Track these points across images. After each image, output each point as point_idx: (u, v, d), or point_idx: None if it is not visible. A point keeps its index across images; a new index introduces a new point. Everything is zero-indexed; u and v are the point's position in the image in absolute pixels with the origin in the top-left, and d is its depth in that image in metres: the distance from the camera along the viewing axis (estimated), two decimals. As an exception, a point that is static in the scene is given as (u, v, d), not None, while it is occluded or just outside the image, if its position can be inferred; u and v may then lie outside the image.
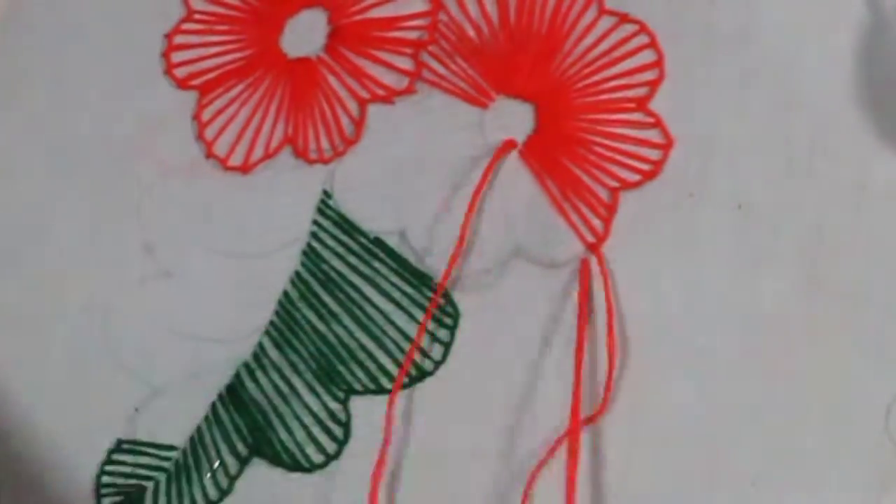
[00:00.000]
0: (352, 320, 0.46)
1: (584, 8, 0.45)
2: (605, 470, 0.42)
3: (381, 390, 0.45)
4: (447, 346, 0.45)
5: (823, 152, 0.43)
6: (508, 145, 0.44)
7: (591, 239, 0.44)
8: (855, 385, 0.42)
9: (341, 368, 0.46)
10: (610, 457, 0.42)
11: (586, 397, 0.43)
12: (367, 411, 0.46)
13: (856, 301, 0.42)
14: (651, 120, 0.44)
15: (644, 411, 0.43)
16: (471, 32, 0.46)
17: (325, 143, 0.47)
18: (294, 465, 0.45)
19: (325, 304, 0.46)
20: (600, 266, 0.43)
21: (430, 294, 0.45)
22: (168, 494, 0.46)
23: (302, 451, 0.45)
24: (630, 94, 0.44)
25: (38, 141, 0.50)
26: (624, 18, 0.44)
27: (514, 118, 0.45)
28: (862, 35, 0.43)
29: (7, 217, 0.50)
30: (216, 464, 0.46)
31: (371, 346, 0.46)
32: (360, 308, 0.46)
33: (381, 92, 0.47)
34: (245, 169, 0.48)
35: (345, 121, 0.47)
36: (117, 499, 0.46)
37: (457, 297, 0.45)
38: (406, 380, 0.45)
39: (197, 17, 0.51)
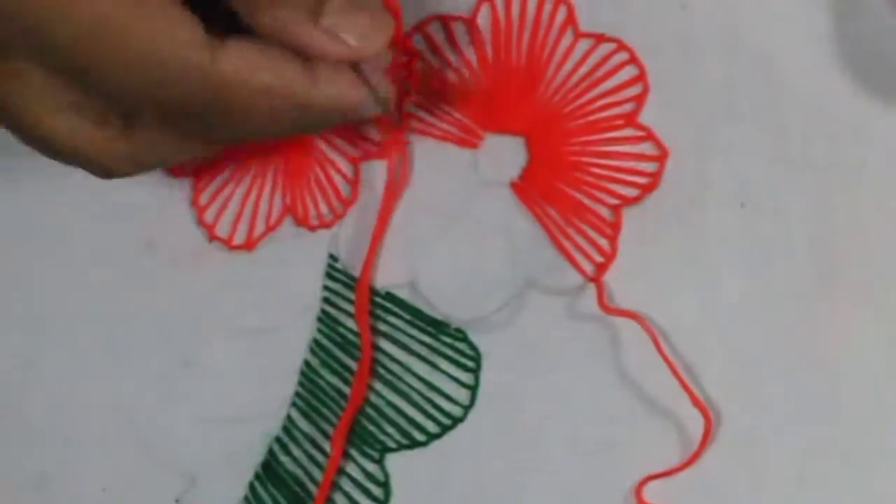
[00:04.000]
0: (376, 378, 0.46)
1: (559, 35, 0.45)
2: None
3: (414, 444, 0.45)
4: (473, 389, 0.45)
5: (818, 138, 0.43)
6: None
7: (599, 259, 0.44)
8: (892, 366, 0.41)
9: (372, 428, 0.46)
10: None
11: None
12: (403, 468, 0.46)
13: (876, 281, 0.42)
14: (642, 133, 0.44)
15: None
16: (451, 76, 0.47)
17: (324, 208, 0.47)
18: (340, 532, 0.45)
19: (346, 367, 0.46)
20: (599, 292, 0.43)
21: (448, 340, 0.45)
22: (218, 581, 0.46)
23: (344, 517, 0.45)
24: (617, 111, 0.44)
25: (43, 245, 0.50)
26: (600, 38, 0.44)
27: (505, 153, 0.45)
28: (840, 14, 0.42)
29: (22, 328, 0.50)
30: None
31: (398, 401, 0.46)
32: (382, 365, 0.46)
33: (372, 149, 0.47)
34: (249, 245, 0.48)
35: (340, 182, 0.47)
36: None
37: (475, 338, 0.45)
38: (437, 429, 0.45)
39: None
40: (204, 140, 0.42)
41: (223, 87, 0.38)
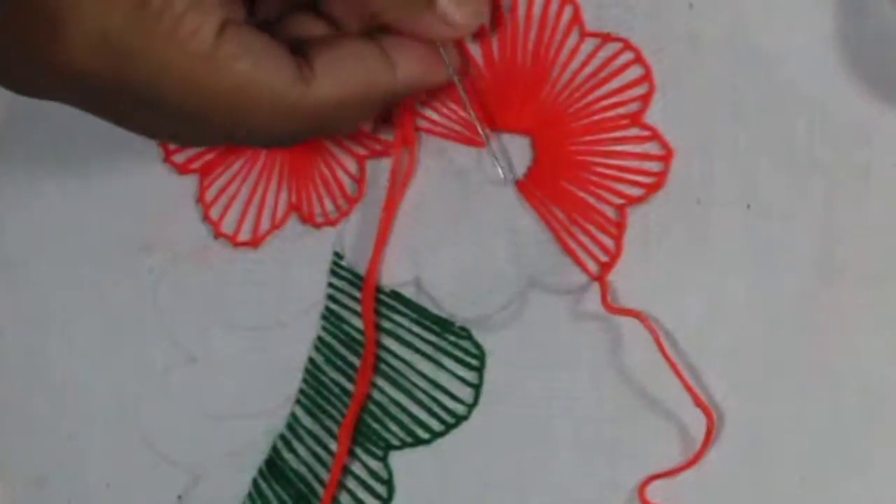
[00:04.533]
0: (380, 376, 0.46)
1: (565, 34, 0.45)
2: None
3: (418, 442, 0.45)
4: (477, 388, 0.45)
5: (824, 139, 0.42)
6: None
7: (604, 259, 0.44)
8: (892, 369, 0.41)
9: (376, 426, 0.46)
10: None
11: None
12: (407, 465, 0.46)
13: (880, 281, 0.42)
14: (648, 133, 0.44)
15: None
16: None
17: (329, 206, 0.47)
18: (342, 530, 0.45)
19: (351, 364, 0.46)
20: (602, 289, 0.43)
21: (452, 339, 0.45)
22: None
23: (348, 514, 0.45)
24: (623, 110, 0.44)
25: (47, 244, 0.50)
26: (606, 38, 0.44)
27: (511, 154, 0.45)
28: (847, 15, 0.42)
29: (26, 326, 0.50)
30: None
31: (402, 398, 0.46)
32: (386, 363, 0.46)
33: (377, 147, 0.47)
34: (255, 243, 0.48)
35: (345, 180, 0.47)
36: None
37: (479, 337, 0.45)
38: (441, 427, 0.45)
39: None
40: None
41: (318, 113, 0.41)
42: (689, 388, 0.42)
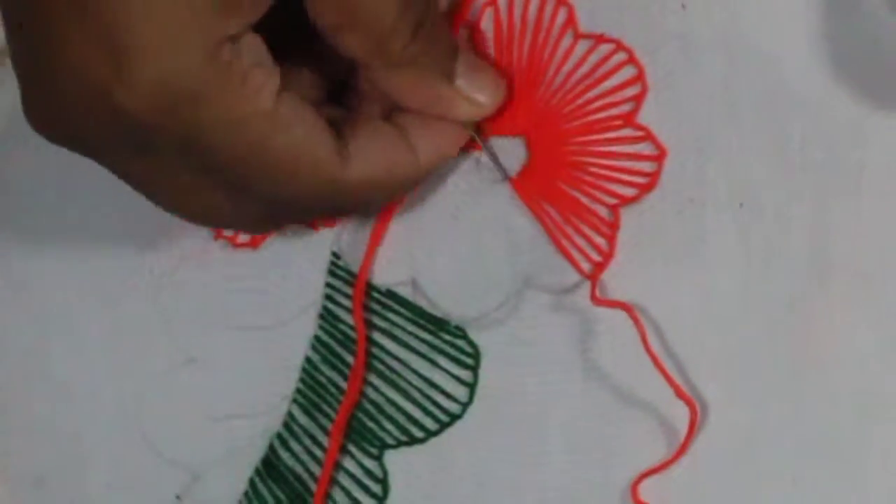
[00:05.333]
0: (376, 375, 0.46)
1: (559, 36, 0.45)
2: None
3: (413, 441, 0.46)
4: (472, 387, 0.45)
5: (817, 139, 0.42)
6: None
7: (597, 258, 0.44)
8: (887, 367, 0.41)
9: (371, 425, 0.46)
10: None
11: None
12: (402, 464, 0.46)
13: (872, 281, 0.42)
14: (641, 133, 0.44)
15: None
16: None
17: (327, 207, 0.48)
18: (337, 528, 0.45)
19: (346, 363, 0.47)
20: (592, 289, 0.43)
21: (447, 338, 0.45)
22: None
23: (343, 512, 0.45)
24: (616, 111, 0.44)
25: (49, 245, 0.51)
26: (600, 39, 0.45)
27: (505, 154, 0.45)
28: (840, 15, 0.43)
29: (28, 327, 0.51)
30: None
31: (397, 397, 0.46)
32: (382, 362, 0.46)
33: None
34: (254, 244, 0.48)
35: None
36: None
37: (474, 335, 0.45)
38: (436, 426, 0.45)
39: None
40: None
41: (352, 191, 0.41)
42: (669, 380, 0.42)
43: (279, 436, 0.47)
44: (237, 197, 0.40)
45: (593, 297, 0.43)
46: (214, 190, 0.40)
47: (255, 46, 0.38)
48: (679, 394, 0.42)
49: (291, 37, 0.41)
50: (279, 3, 0.38)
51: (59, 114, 0.38)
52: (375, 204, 0.44)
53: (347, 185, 0.41)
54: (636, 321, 0.42)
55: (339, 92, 0.44)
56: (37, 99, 0.39)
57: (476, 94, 0.43)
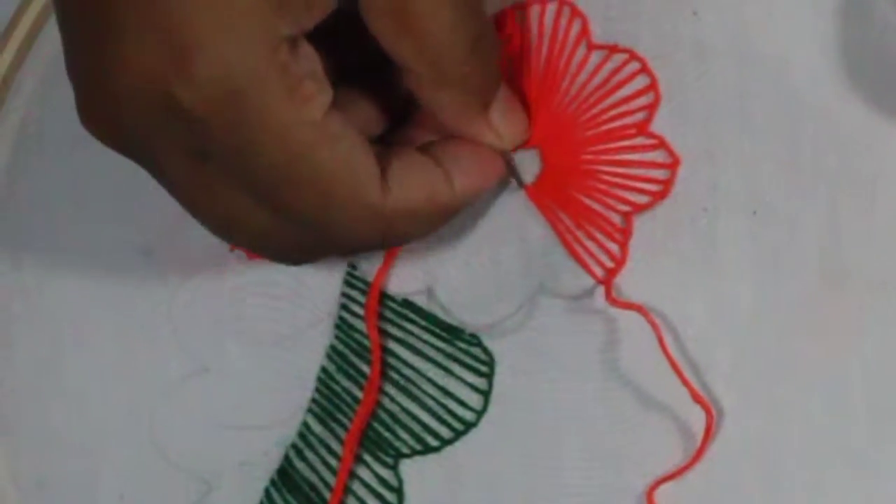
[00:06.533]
0: (391, 384, 0.46)
1: (574, 48, 0.46)
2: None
3: (428, 449, 0.46)
4: (487, 395, 0.45)
5: (830, 146, 0.43)
6: None
7: (609, 265, 0.44)
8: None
9: (386, 434, 0.46)
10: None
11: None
12: (416, 473, 0.46)
13: (885, 288, 0.42)
14: (654, 142, 0.44)
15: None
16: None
17: (343, 217, 0.48)
18: (353, 538, 0.45)
19: (362, 373, 0.47)
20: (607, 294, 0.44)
21: (462, 346, 0.46)
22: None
23: (358, 522, 0.45)
24: (629, 120, 0.45)
25: (61, 254, 0.51)
26: (613, 49, 0.45)
27: (521, 162, 0.45)
28: (852, 23, 0.43)
29: (40, 337, 0.51)
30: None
31: (412, 406, 0.46)
32: (397, 371, 0.46)
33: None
34: (269, 255, 0.48)
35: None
36: None
37: (489, 343, 0.45)
38: (451, 434, 0.45)
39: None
40: None
41: (393, 221, 0.40)
42: (686, 384, 0.42)
43: (294, 446, 0.47)
44: (278, 219, 0.40)
45: (608, 298, 0.43)
46: (257, 208, 0.40)
47: (311, 58, 0.38)
48: (695, 397, 0.42)
49: (351, 77, 0.41)
50: (342, 41, 0.39)
51: (114, 112, 0.38)
52: (414, 237, 0.43)
53: (389, 213, 0.40)
54: (652, 323, 0.43)
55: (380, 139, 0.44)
56: (92, 97, 0.38)
57: (504, 129, 0.43)
